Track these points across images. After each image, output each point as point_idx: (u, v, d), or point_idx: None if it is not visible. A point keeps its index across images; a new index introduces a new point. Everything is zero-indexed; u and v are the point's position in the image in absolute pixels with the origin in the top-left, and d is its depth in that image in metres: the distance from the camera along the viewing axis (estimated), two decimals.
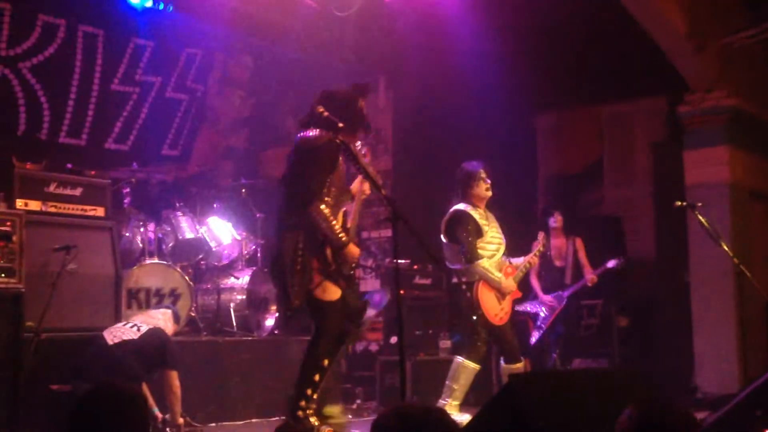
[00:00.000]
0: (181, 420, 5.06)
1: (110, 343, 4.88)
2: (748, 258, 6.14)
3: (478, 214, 5.54)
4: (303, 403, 4.41)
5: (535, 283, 6.98)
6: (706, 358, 7.00)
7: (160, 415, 4.96)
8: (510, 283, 5.60)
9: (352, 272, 4.64)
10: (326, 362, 4.46)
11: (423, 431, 1.93)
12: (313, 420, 4.45)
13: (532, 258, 5.88)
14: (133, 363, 4.82)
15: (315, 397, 4.48)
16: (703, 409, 5.87)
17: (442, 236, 5.62)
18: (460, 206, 5.57)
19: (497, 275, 5.53)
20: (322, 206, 4.36)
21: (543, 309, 6.89)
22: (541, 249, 6.20)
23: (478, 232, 5.51)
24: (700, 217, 5.86)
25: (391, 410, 2.03)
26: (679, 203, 6.10)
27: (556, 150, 9.17)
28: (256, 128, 9.35)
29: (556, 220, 7.08)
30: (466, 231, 5.47)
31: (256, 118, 9.34)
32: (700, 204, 6.02)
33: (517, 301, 6.38)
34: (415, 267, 7.47)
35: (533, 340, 6.85)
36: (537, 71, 8.04)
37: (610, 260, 6.91)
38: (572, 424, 3.21)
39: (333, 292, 4.46)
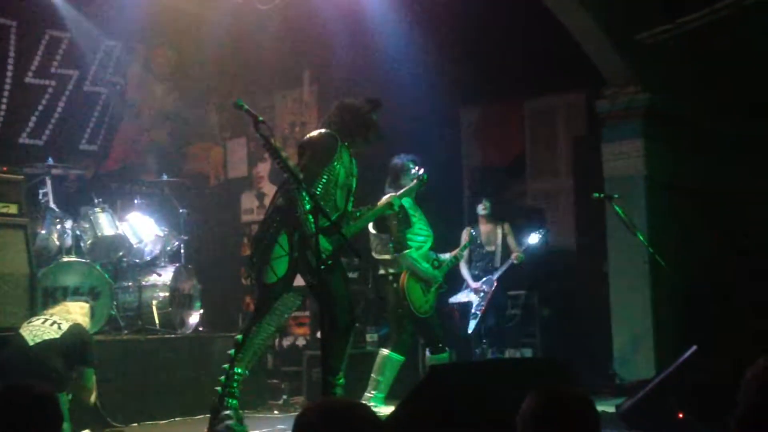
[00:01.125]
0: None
1: (30, 343, 4.73)
2: (663, 248, 6.33)
3: (407, 204, 5.60)
4: None
5: (465, 272, 7.01)
6: (624, 346, 7.21)
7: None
8: (436, 274, 5.68)
9: (321, 264, 4.61)
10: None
11: (346, 426, 1.93)
12: None
13: (458, 252, 5.99)
14: (58, 365, 4.69)
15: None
16: (622, 395, 6.07)
17: (370, 226, 5.65)
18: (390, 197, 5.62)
19: (424, 266, 5.60)
20: (304, 194, 4.38)
21: (476, 296, 6.92)
22: (467, 244, 6.32)
23: (407, 223, 5.58)
24: (617, 208, 6.03)
25: (314, 405, 2.04)
26: (597, 195, 6.28)
27: (480, 144, 9.29)
28: (179, 123, 9.21)
29: (484, 207, 7.14)
30: (395, 220, 5.53)
31: (179, 113, 9.21)
32: (616, 195, 6.20)
33: (448, 294, 6.48)
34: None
35: (470, 329, 6.86)
36: (461, 66, 8.13)
37: (531, 235, 7.02)
38: (491, 413, 3.28)
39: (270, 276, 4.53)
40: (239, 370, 4.60)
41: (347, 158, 4.74)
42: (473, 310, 6.90)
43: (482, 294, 6.90)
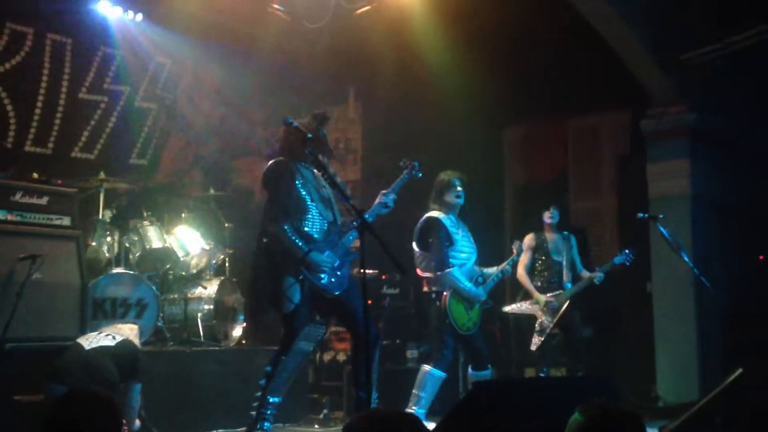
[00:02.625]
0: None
1: (87, 347, 4.87)
2: (708, 269, 6.25)
3: (449, 222, 5.62)
4: None
5: (526, 281, 6.64)
6: (667, 368, 7.11)
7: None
8: (479, 293, 5.66)
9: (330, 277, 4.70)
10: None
11: None
12: None
13: (504, 267, 5.89)
14: (112, 368, 4.83)
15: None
16: (664, 417, 5.99)
17: (414, 244, 5.69)
18: (433, 213, 5.66)
19: (467, 285, 5.59)
20: (285, 226, 4.60)
21: (540, 310, 6.56)
22: (515, 258, 6.11)
23: (449, 240, 5.59)
24: (662, 229, 5.98)
25: (363, 414, 2.06)
26: (642, 215, 6.22)
27: (523, 162, 9.27)
28: (225, 138, 9.35)
29: (550, 215, 6.81)
30: (437, 238, 5.56)
31: (225, 128, 9.35)
32: (661, 216, 6.14)
33: (499, 301, 6.30)
34: (384, 277, 7.52)
35: (534, 346, 6.52)
36: (505, 84, 8.15)
37: (617, 256, 6.65)
38: None
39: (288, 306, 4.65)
40: (272, 399, 4.70)
41: (310, 174, 4.82)
42: (538, 326, 6.53)
43: (551, 309, 6.55)
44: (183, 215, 7.32)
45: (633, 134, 7.99)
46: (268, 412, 4.70)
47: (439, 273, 5.57)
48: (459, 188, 5.69)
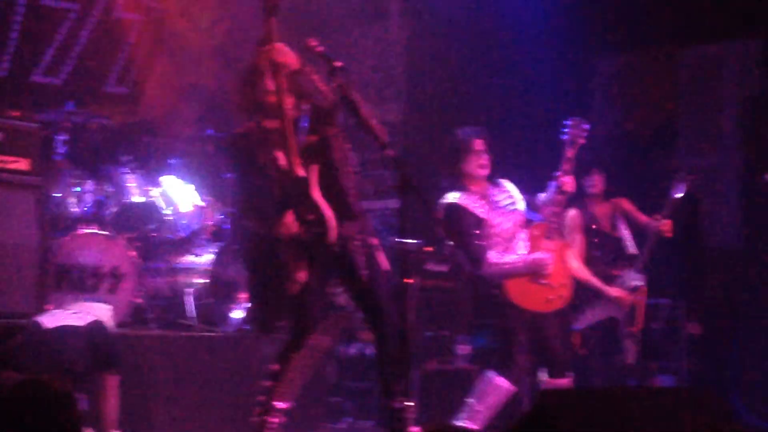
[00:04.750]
0: None
1: (49, 326, 4.95)
2: None
3: (471, 200, 5.58)
4: None
5: (588, 275, 6.52)
6: None
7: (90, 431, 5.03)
8: (541, 255, 5.57)
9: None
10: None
11: None
12: None
13: (559, 191, 5.67)
14: (79, 353, 4.91)
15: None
16: None
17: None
18: (450, 198, 5.60)
19: (517, 260, 5.54)
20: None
21: (617, 308, 6.57)
22: (568, 184, 5.69)
23: (478, 224, 5.55)
24: None
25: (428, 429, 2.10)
26: None
27: (619, 103, 9.18)
28: (229, 62, 9.35)
29: (594, 184, 6.78)
30: (462, 231, 5.53)
31: (229, 49, 9.34)
32: None
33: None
34: (428, 249, 7.51)
35: (629, 357, 6.56)
36: (599, 3, 8.05)
37: (674, 189, 6.63)
38: None
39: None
40: (281, 405, 4.74)
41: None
42: (624, 330, 6.55)
43: (629, 302, 6.55)
44: (172, 161, 7.36)
45: (765, 70, 7.84)
46: (275, 420, 4.74)
47: (479, 273, 5.56)
48: (483, 153, 5.61)
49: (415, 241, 7.30)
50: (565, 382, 5.61)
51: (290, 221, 4.63)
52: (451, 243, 5.68)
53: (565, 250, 5.78)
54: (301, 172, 4.64)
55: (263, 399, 4.79)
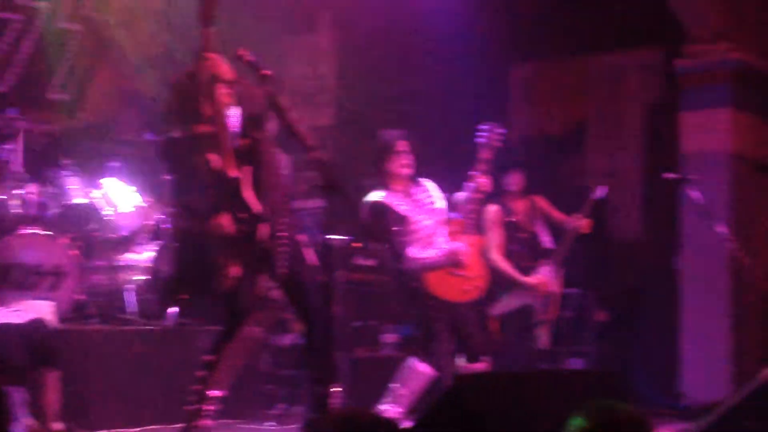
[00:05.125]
0: (58, 426, 5.06)
1: None
2: (749, 242, 6.32)
3: (394, 198, 5.60)
4: None
5: (506, 266, 6.61)
6: (695, 359, 7.21)
7: (32, 422, 4.95)
8: (458, 245, 5.61)
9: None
10: None
11: None
12: None
13: (474, 189, 5.71)
14: (18, 350, 4.81)
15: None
16: (689, 419, 6.08)
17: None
18: (373, 196, 5.62)
19: (436, 255, 5.57)
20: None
21: (532, 296, 6.62)
22: (483, 184, 5.75)
23: (400, 221, 5.57)
24: (694, 193, 6.00)
25: (332, 414, 2.08)
26: (669, 175, 6.24)
27: (532, 108, 9.27)
28: (169, 71, 9.26)
29: (513, 182, 6.77)
30: (385, 228, 5.55)
31: (170, 58, 9.25)
32: (694, 177, 6.16)
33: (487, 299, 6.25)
34: (356, 245, 7.52)
35: (542, 343, 6.58)
36: (514, 14, 8.11)
37: (592, 191, 6.70)
38: None
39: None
40: (215, 393, 4.73)
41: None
42: (538, 317, 6.60)
43: (545, 292, 6.60)
44: (113, 164, 7.28)
45: (665, 77, 7.98)
46: (210, 408, 4.72)
47: (401, 267, 5.58)
48: (406, 153, 5.65)
49: (343, 237, 7.32)
50: (481, 366, 5.66)
51: (225, 221, 4.62)
52: (375, 239, 5.68)
53: (481, 245, 5.83)
54: (234, 173, 4.64)
55: (198, 388, 4.76)
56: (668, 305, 7.43)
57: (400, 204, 5.61)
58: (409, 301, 5.76)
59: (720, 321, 7.10)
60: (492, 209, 6.68)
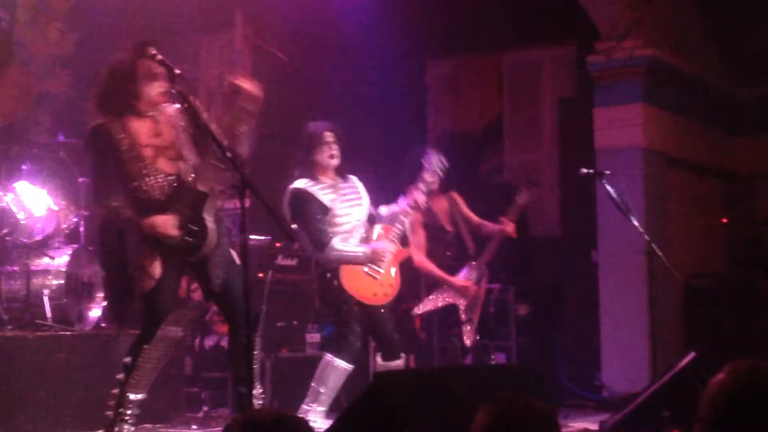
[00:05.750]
0: None
1: None
2: (664, 235, 6.48)
3: (319, 188, 5.62)
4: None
5: (431, 266, 6.56)
6: (614, 351, 7.38)
7: None
8: (383, 246, 5.67)
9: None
10: None
11: None
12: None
13: (411, 205, 5.78)
14: None
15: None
16: (609, 409, 6.23)
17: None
18: (298, 184, 5.63)
19: (358, 250, 5.61)
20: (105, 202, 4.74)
21: (458, 296, 6.58)
22: (421, 202, 5.84)
23: (322, 210, 5.59)
24: (609, 188, 6.15)
25: (238, 419, 2.12)
26: (585, 171, 6.37)
27: (449, 104, 9.37)
28: (80, 70, 9.12)
29: (431, 178, 6.45)
30: (307, 215, 5.56)
31: (80, 58, 9.12)
32: (608, 172, 6.31)
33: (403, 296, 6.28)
34: (278, 245, 7.52)
35: (468, 340, 6.55)
36: (429, 11, 8.17)
37: (518, 196, 6.71)
38: (444, 429, 3.38)
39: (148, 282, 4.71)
40: (133, 396, 4.71)
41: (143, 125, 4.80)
42: (465, 316, 6.58)
43: (473, 293, 6.59)
44: (24, 167, 7.14)
45: (578, 73, 8.15)
46: (129, 411, 4.69)
47: (319, 254, 5.60)
48: (334, 145, 5.68)
49: (265, 237, 7.31)
50: (397, 363, 5.72)
51: (165, 223, 4.62)
52: (295, 226, 5.66)
53: (402, 256, 5.87)
54: (203, 186, 4.69)
55: (117, 392, 4.73)
56: (588, 299, 7.58)
57: (324, 194, 5.63)
58: (323, 293, 5.80)
59: (638, 313, 7.26)
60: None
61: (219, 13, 8.83)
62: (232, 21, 8.86)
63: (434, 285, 6.68)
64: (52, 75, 8.91)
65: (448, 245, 6.85)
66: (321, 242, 5.55)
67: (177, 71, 4.40)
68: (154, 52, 4.49)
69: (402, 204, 5.84)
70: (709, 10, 7.70)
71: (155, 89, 4.74)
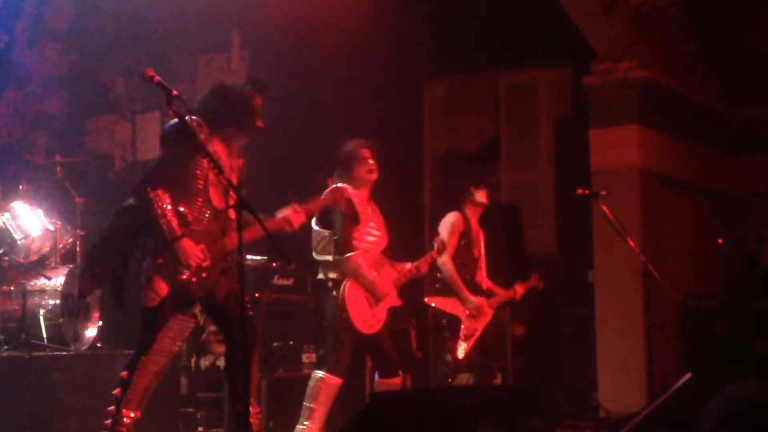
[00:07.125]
0: None
1: None
2: (660, 255, 6.49)
3: (359, 201, 5.67)
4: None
5: (455, 273, 6.55)
6: (610, 372, 7.38)
7: None
8: (386, 287, 5.72)
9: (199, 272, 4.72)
10: None
11: None
12: None
13: (421, 263, 5.93)
14: None
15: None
16: (606, 429, 6.23)
17: (313, 221, 5.71)
18: (345, 184, 5.68)
19: (370, 273, 5.65)
20: (160, 190, 4.58)
21: (466, 312, 6.60)
22: (435, 255, 6.03)
23: (355, 220, 5.63)
24: (605, 208, 6.17)
25: None
26: (581, 191, 6.40)
27: (447, 125, 9.39)
28: (77, 91, 9.16)
29: (482, 195, 6.71)
30: (341, 215, 5.59)
31: (77, 79, 9.15)
32: (604, 192, 6.34)
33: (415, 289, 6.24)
34: (274, 265, 7.53)
35: (461, 353, 6.60)
36: (426, 32, 8.21)
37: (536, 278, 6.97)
38: None
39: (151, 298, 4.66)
40: (129, 413, 4.70)
41: (221, 150, 4.84)
42: (466, 331, 6.63)
43: (476, 316, 6.62)
44: (21, 187, 7.16)
45: (575, 94, 8.19)
46: (124, 430, 4.68)
47: (339, 257, 5.61)
48: (371, 161, 5.72)
49: (261, 257, 7.32)
50: (395, 381, 5.73)
51: (194, 249, 4.63)
52: (322, 229, 5.68)
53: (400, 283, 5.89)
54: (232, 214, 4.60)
55: (113, 409, 4.72)
56: (584, 318, 7.58)
57: (362, 206, 5.68)
58: (321, 302, 5.82)
59: (634, 333, 7.27)
60: (457, 216, 6.70)
61: (216, 34, 8.87)
62: (230, 41, 8.89)
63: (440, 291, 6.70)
64: (50, 95, 8.95)
65: (466, 266, 6.76)
66: (346, 247, 5.59)
67: (174, 92, 4.41)
68: (151, 74, 4.50)
69: (429, 253, 5.97)
70: (705, 31, 7.74)
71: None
